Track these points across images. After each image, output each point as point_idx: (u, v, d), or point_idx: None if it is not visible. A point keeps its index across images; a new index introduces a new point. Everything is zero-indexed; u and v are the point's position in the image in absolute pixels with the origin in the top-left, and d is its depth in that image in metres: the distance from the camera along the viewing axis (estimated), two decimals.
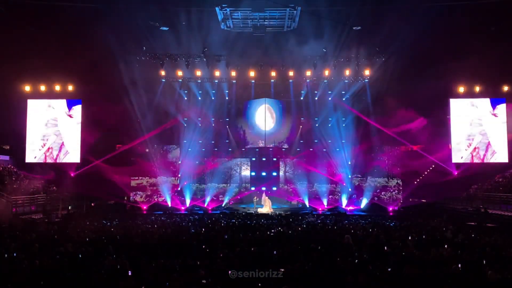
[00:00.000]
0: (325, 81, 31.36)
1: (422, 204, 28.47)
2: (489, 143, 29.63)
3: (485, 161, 29.67)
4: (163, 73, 30.65)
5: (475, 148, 29.66)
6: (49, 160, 30.34)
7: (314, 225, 19.45)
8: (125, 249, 12.10)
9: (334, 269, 9.86)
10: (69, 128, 30.63)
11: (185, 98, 32.03)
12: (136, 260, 10.59)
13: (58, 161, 30.47)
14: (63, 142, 30.49)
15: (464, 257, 11.12)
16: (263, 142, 32.47)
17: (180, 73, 30.62)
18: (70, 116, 30.64)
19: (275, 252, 11.81)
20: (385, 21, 24.25)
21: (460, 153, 29.98)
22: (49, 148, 30.34)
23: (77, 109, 30.77)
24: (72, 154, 30.48)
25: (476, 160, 29.73)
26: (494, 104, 29.72)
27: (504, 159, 29.28)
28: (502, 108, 29.61)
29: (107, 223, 20.23)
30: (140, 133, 30.01)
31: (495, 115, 29.67)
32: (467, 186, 28.03)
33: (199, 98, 32.01)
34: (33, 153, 30.39)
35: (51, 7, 23.12)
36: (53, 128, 30.62)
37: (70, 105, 30.73)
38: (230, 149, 32.45)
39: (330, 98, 31.74)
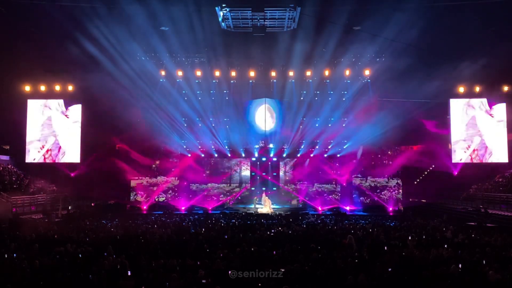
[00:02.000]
0: (325, 81, 31.34)
1: (422, 204, 28.46)
2: (486, 143, 29.64)
3: (484, 161, 29.68)
4: (163, 73, 30.64)
5: (474, 150, 29.68)
6: (48, 161, 30.32)
7: (314, 225, 19.46)
8: (125, 249, 12.11)
9: (334, 269, 9.87)
10: (66, 128, 30.56)
11: (185, 98, 32.01)
12: (136, 260, 10.60)
13: (56, 161, 30.44)
14: (60, 142, 30.44)
15: (464, 257, 11.14)
16: (263, 142, 32.45)
17: (180, 73, 30.61)
18: (66, 116, 30.59)
19: (275, 252, 11.82)
20: (385, 21, 24.24)
21: (459, 153, 29.99)
22: (48, 150, 30.33)
23: (74, 109, 30.70)
24: (71, 154, 30.43)
25: (475, 161, 29.75)
26: (491, 104, 29.74)
27: (504, 159, 29.25)
28: (497, 108, 29.58)
29: (107, 223, 20.23)
30: (140, 133, 29.97)
31: (491, 115, 29.68)
32: (467, 186, 28.02)
33: (199, 98, 31.99)
34: (33, 154, 30.39)
35: (51, 7, 23.12)
36: (51, 129, 30.59)
37: (67, 105, 30.72)
38: (230, 149, 32.43)
39: (330, 98, 31.71)
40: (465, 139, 29.97)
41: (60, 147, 30.52)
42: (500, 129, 29.54)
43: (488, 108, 29.71)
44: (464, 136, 30.00)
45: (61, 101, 30.73)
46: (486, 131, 29.74)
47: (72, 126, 30.57)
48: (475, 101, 30.01)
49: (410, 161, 29.81)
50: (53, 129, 30.63)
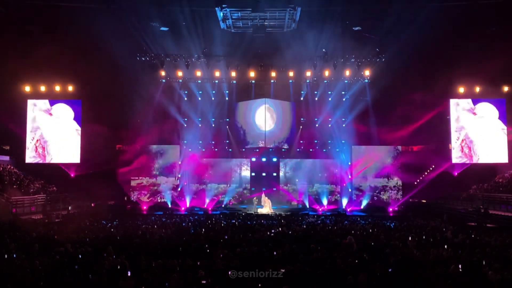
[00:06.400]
0: (325, 81, 31.37)
1: (422, 204, 28.47)
2: (471, 138, 29.81)
3: (472, 153, 29.72)
4: (163, 73, 30.65)
5: (462, 140, 29.76)
6: (39, 161, 30.23)
7: (314, 225, 19.45)
8: (125, 249, 12.10)
9: (334, 270, 9.86)
10: (53, 128, 30.48)
11: (185, 98, 32.04)
12: (136, 260, 10.59)
13: (51, 161, 30.31)
14: (47, 142, 30.38)
15: (464, 257, 11.13)
16: (263, 142, 32.45)
17: (180, 73, 30.63)
18: (50, 114, 30.43)
19: (275, 253, 11.82)
20: (385, 21, 24.26)
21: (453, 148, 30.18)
22: (36, 149, 30.24)
23: (59, 108, 30.61)
24: (70, 155, 30.30)
25: (465, 150, 29.80)
26: (475, 103, 29.89)
27: (504, 159, 29.26)
28: (480, 107, 29.83)
29: (107, 223, 20.23)
30: (140, 133, 30.02)
31: (474, 113, 29.76)
32: (467, 186, 28.03)
33: (199, 98, 32.01)
34: (28, 154, 30.30)
35: (51, 7, 23.12)
36: (39, 128, 30.48)
37: (53, 103, 30.62)
38: (230, 149, 32.43)
39: (330, 98, 31.74)
40: (456, 131, 30.08)
41: (44, 148, 30.35)
42: (483, 126, 29.75)
43: (472, 106, 29.84)
44: (455, 136, 30.13)
45: (46, 101, 30.58)
46: (471, 128, 29.97)
47: (62, 126, 30.40)
48: (464, 101, 30.16)
49: (410, 161, 29.91)
50: (41, 129, 30.46)
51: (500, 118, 29.67)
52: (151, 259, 10.75)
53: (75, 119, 30.59)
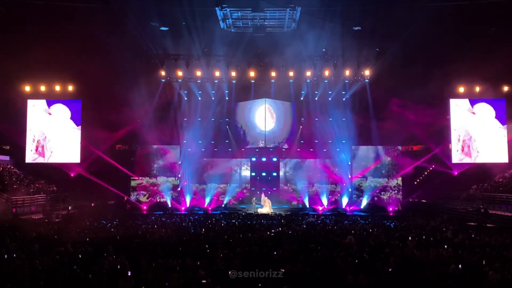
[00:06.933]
0: (325, 81, 31.36)
1: (422, 204, 28.46)
2: (472, 141, 29.80)
3: (471, 151, 29.72)
4: (163, 73, 30.64)
5: (463, 140, 29.74)
6: (38, 158, 30.20)
7: (314, 225, 19.45)
8: (125, 249, 12.11)
9: (334, 269, 9.87)
10: (56, 128, 30.40)
11: (185, 98, 32.04)
12: (136, 260, 10.60)
13: (50, 158, 30.27)
14: (46, 140, 30.30)
15: (464, 257, 11.14)
16: (263, 142, 32.44)
17: (180, 73, 30.62)
18: (49, 113, 30.48)
19: (275, 253, 11.82)
20: (385, 21, 24.24)
21: (454, 147, 30.16)
22: (37, 147, 30.19)
23: (55, 108, 30.55)
24: (70, 154, 30.25)
25: (465, 150, 29.79)
26: (472, 103, 29.88)
27: (504, 159, 29.25)
28: (479, 107, 29.82)
29: (107, 223, 20.23)
30: (140, 133, 30.01)
31: (473, 113, 29.77)
32: (467, 186, 28.02)
33: (199, 98, 32.01)
34: (28, 152, 30.27)
35: (51, 7, 23.10)
36: (39, 128, 30.45)
37: (50, 104, 30.55)
38: (230, 149, 32.42)
39: (330, 98, 31.75)
40: (456, 129, 30.05)
41: (43, 146, 30.34)
42: (482, 125, 29.74)
43: (470, 106, 29.83)
44: (456, 136, 30.11)
45: (44, 101, 30.52)
46: (470, 127, 29.96)
47: (62, 126, 30.37)
48: (460, 101, 30.14)
49: (410, 161, 29.93)
50: (41, 128, 30.42)
51: (497, 117, 29.67)
52: (151, 259, 10.75)
53: (72, 118, 30.48)
